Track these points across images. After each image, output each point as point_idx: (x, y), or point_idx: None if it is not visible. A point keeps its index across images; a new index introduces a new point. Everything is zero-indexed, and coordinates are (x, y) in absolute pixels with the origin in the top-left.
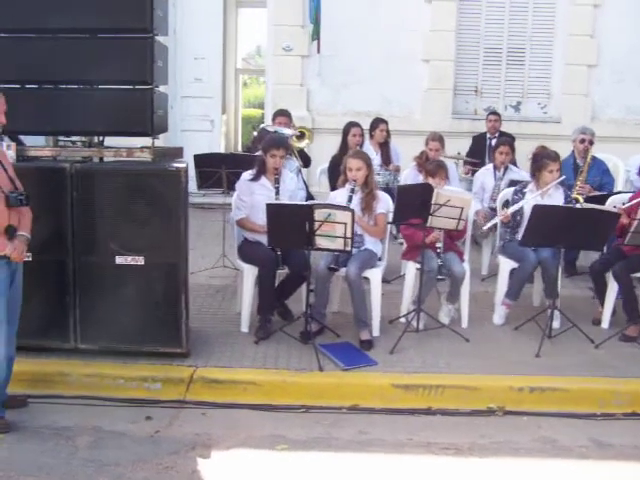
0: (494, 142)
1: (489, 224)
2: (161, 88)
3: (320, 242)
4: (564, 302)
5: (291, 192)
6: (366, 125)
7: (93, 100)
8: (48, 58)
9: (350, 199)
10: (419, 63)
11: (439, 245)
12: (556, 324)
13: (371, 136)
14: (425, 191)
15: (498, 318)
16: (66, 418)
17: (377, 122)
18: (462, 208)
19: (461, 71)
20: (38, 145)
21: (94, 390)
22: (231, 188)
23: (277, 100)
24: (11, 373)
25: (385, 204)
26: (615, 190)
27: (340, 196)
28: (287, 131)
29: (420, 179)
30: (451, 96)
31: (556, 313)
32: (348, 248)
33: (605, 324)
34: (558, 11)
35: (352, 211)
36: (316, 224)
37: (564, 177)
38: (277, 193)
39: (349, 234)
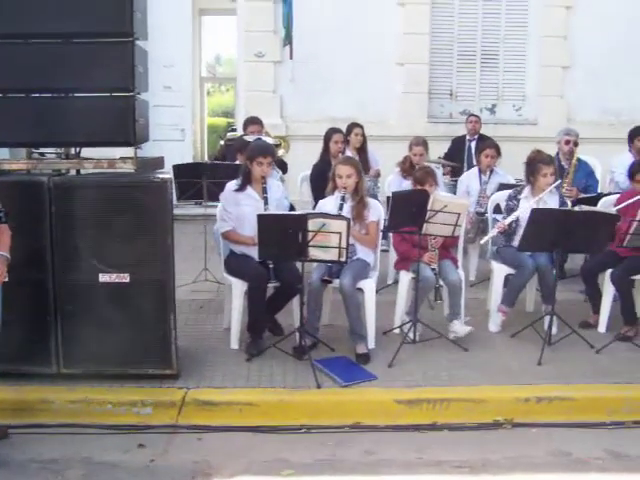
0: (473, 144)
1: (486, 237)
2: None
3: (314, 253)
4: (557, 306)
5: (277, 201)
6: None
7: (71, 109)
8: (20, 64)
9: (341, 207)
10: (393, 67)
11: (434, 267)
12: (554, 330)
13: (347, 142)
14: (421, 197)
15: (494, 325)
16: (52, 449)
17: (352, 126)
18: (459, 214)
19: (436, 74)
20: (4, 159)
21: (80, 417)
22: (212, 199)
23: (249, 107)
24: None
25: (376, 212)
26: (598, 192)
27: (330, 204)
28: (268, 140)
29: (404, 185)
30: (426, 100)
31: (553, 318)
32: (343, 258)
33: (602, 328)
34: (531, 13)
35: (348, 220)
36: (310, 234)
37: (560, 181)
38: (266, 203)
39: (344, 244)
